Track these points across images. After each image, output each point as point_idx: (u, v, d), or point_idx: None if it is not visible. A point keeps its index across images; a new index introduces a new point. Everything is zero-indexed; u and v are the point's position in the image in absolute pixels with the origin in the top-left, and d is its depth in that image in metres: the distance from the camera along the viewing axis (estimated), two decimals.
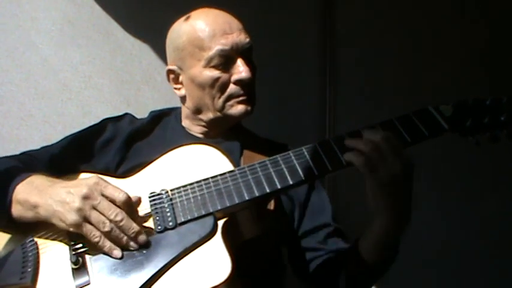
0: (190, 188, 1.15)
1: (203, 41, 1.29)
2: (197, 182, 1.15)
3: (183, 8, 1.39)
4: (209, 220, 1.10)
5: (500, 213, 2.31)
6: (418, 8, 2.29)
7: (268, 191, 1.11)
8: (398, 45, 2.26)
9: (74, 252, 1.10)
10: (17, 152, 1.39)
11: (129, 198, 1.10)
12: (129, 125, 1.42)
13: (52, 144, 1.42)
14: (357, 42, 2.24)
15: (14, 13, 1.85)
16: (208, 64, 1.29)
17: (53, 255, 1.12)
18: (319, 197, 1.41)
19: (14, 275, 1.08)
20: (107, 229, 1.07)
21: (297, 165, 1.13)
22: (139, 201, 1.15)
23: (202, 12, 1.35)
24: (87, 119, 1.85)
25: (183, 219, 1.11)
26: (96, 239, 1.07)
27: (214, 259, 1.06)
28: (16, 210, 1.15)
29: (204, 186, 1.14)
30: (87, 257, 1.10)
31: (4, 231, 1.18)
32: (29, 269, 1.09)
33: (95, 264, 1.08)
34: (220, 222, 1.11)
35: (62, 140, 1.43)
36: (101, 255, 1.09)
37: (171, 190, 1.16)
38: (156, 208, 1.14)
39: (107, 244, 1.08)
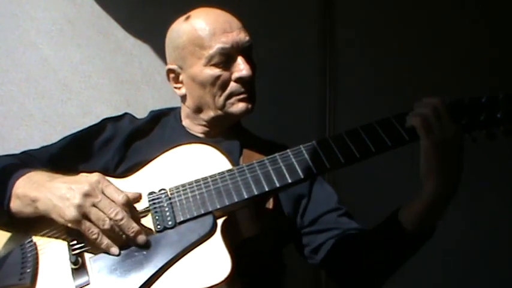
0: (189, 187, 1.15)
1: (203, 39, 1.29)
2: (196, 181, 1.15)
3: (183, 7, 1.39)
4: (208, 219, 1.10)
5: (500, 213, 2.31)
6: (418, 8, 2.29)
7: (267, 189, 1.11)
8: (398, 45, 2.26)
9: (73, 253, 1.09)
10: (17, 152, 1.39)
11: (128, 199, 1.10)
12: (129, 124, 1.43)
13: (51, 144, 1.42)
14: (357, 42, 2.23)
15: (14, 13, 1.85)
16: (208, 62, 1.30)
17: (52, 256, 1.12)
18: (323, 188, 1.42)
19: (13, 275, 1.08)
20: (106, 227, 1.06)
21: (295, 163, 1.13)
22: (139, 199, 1.15)
23: (202, 12, 1.35)
24: (87, 119, 1.85)
25: (182, 219, 1.11)
26: (94, 236, 1.07)
27: (214, 258, 1.06)
28: (15, 205, 1.15)
29: (203, 185, 1.14)
30: (86, 257, 1.09)
31: (4, 229, 1.18)
32: (28, 270, 1.09)
33: (95, 264, 1.08)
34: (220, 221, 1.11)
35: (61, 140, 1.43)
36: (101, 255, 1.08)
37: (170, 189, 1.16)
38: (155, 207, 1.14)
39: (105, 241, 1.07)
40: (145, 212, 1.14)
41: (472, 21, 2.33)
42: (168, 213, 1.12)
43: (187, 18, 1.35)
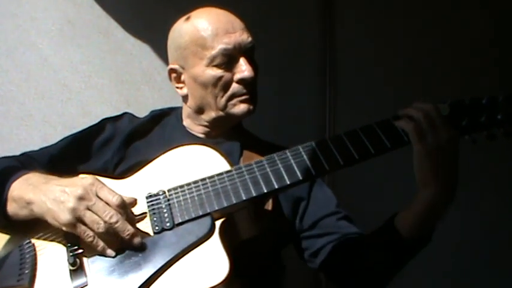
0: (188, 188, 1.14)
1: (206, 40, 1.29)
2: (194, 182, 1.15)
3: (184, 7, 1.39)
4: (207, 220, 1.10)
5: (500, 214, 2.31)
6: (418, 8, 2.29)
7: (265, 191, 1.11)
8: (398, 45, 2.26)
9: (71, 254, 1.09)
10: (17, 152, 1.39)
11: (123, 201, 1.10)
12: (128, 124, 1.43)
13: (51, 145, 1.42)
14: (357, 42, 2.23)
15: (14, 13, 1.85)
16: (211, 63, 1.29)
17: (51, 257, 1.11)
18: (322, 190, 1.41)
19: (11, 277, 1.08)
20: (101, 230, 1.06)
21: (294, 164, 1.13)
22: (134, 202, 1.14)
23: (204, 12, 1.35)
24: (87, 119, 1.85)
25: (180, 220, 1.11)
26: (90, 239, 1.07)
27: (212, 259, 1.05)
28: (11, 208, 1.15)
29: (201, 186, 1.14)
30: (84, 258, 1.09)
31: (2, 232, 1.18)
32: (27, 271, 1.09)
33: (93, 265, 1.08)
34: (218, 223, 1.11)
35: (61, 140, 1.43)
36: (99, 257, 1.08)
37: (168, 190, 1.16)
38: (153, 209, 1.13)
39: (101, 244, 1.07)
40: (143, 213, 1.14)
41: (472, 21, 2.33)
42: (166, 215, 1.12)
43: (190, 18, 1.35)
